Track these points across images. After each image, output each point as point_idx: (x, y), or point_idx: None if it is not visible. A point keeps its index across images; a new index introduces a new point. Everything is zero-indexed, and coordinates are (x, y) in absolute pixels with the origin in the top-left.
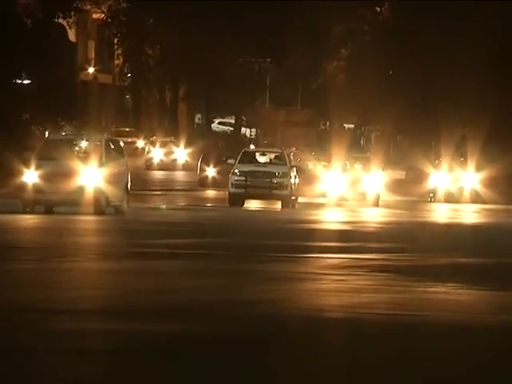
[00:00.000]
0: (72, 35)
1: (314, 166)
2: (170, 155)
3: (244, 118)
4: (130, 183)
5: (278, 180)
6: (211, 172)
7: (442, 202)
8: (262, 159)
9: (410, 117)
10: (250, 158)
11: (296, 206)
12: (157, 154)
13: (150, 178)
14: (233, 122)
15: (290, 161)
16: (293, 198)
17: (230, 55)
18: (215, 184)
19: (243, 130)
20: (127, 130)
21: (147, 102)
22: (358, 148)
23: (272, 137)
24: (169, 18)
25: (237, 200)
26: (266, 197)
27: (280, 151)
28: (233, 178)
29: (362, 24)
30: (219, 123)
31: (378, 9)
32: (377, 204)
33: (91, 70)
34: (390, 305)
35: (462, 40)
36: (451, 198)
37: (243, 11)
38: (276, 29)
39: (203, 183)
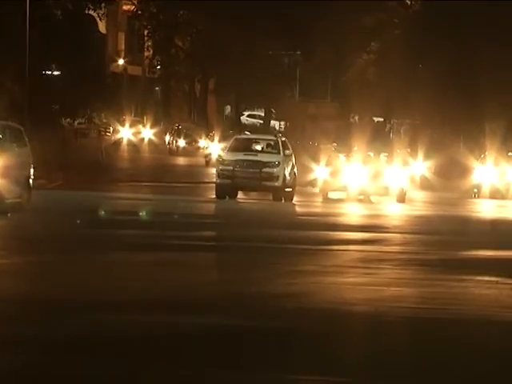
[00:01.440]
0: (102, 27)
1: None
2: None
3: (273, 111)
4: (32, 176)
5: (269, 170)
6: None
7: (488, 197)
8: (254, 147)
9: (449, 110)
10: (240, 146)
11: (293, 198)
12: (215, 149)
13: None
14: (262, 114)
15: (288, 149)
16: (288, 189)
17: (259, 48)
18: None
19: (272, 122)
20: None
21: (176, 94)
22: (384, 141)
23: (301, 130)
24: (199, 10)
25: (223, 191)
26: (255, 188)
27: (274, 138)
28: (219, 168)
29: (391, 17)
30: (249, 116)
31: (409, 1)
32: (403, 200)
33: (121, 61)
34: (418, 299)
35: (500, 27)
36: (497, 194)
37: (273, 4)
38: (306, 21)
39: None
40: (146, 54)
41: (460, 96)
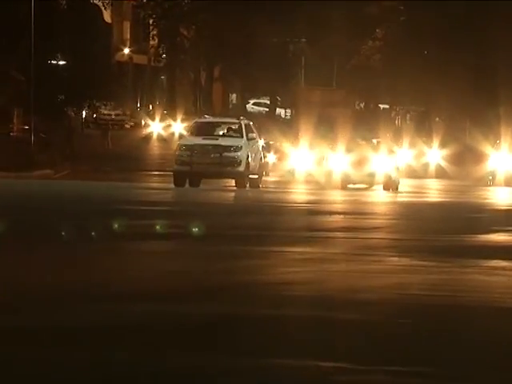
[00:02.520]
0: (107, 16)
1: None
2: None
3: (279, 99)
4: None
5: (230, 155)
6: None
7: (503, 185)
8: (215, 131)
9: (460, 94)
10: (200, 130)
11: (260, 185)
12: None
13: None
14: (268, 102)
15: (252, 133)
16: (253, 176)
17: (264, 35)
18: None
19: (278, 110)
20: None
21: (182, 82)
22: (388, 128)
23: (307, 116)
24: None
25: (182, 179)
26: (215, 175)
27: (236, 121)
28: (177, 154)
29: (397, 3)
30: (254, 104)
31: None
32: (389, 187)
33: (126, 50)
34: (425, 285)
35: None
36: None
37: None
38: (311, 8)
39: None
40: (152, 42)
41: (472, 80)
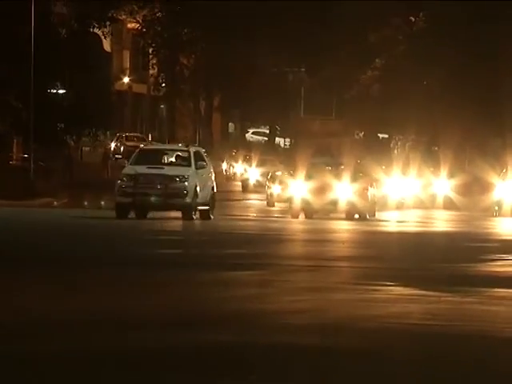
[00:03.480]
0: (107, 45)
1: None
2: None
3: (278, 128)
4: None
5: (176, 185)
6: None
7: (510, 215)
8: (161, 160)
9: (461, 124)
10: (145, 158)
11: (212, 216)
12: (253, 174)
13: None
14: (267, 131)
15: (202, 161)
16: (203, 207)
17: (264, 65)
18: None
19: (277, 139)
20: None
21: (181, 111)
22: (384, 156)
23: (306, 146)
24: (203, 28)
25: (124, 211)
26: (160, 207)
27: (185, 149)
28: (119, 184)
29: (396, 34)
30: (253, 133)
31: (413, 18)
32: (352, 216)
33: (126, 79)
34: (424, 315)
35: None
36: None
37: (277, 21)
38: (310, 38)
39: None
40: (151, 71)
41: (474, 108)
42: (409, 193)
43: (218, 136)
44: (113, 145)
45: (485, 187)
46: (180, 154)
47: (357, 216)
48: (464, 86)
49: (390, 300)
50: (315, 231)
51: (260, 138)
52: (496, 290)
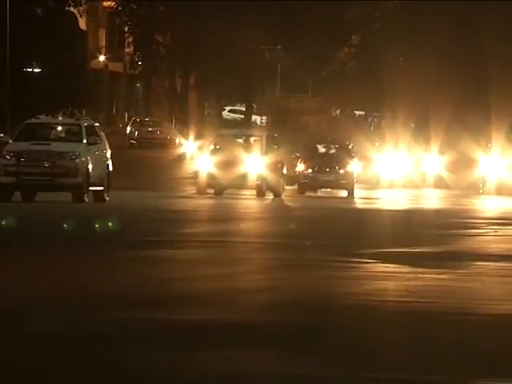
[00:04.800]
0: (82, 23)
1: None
2: None
3: (255, 106)
4: None
5: (65, 163)
6: None
7: (494, 193)
8: (48, 135)
9: (443, 99)
10: (30, 134)
11: (107, 198)
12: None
13: None
14: (244, 109)
15: (96, 136)
16: (97, 188)
17: (240, 42)
18: None
19: (254, 117)
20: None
21: (158, 90)
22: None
23: (283, 124)
24: (179, 5)
25: (7, 193)
26: (47, 187)
27: (76, 122)
28: (1, 163)
29: (372, 11)
30: (230, 111)
31: None
32: (263, 194)
33: (102, 58)
34: (400, 292)
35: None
36: (504, 190)
37: (257, 2)
38: (287, 16)
39: None
40: (127, 50)
41: (456, 84)
42: (399, 171)
43: (194, 114)
44: (128, 129)
45: (470, 164)
46: (70, 128)
47: (269, 193)
48: (445, 61)
49: (366, 277)
50: (223, 208)
51: (236, 115)
52: (472, 266)
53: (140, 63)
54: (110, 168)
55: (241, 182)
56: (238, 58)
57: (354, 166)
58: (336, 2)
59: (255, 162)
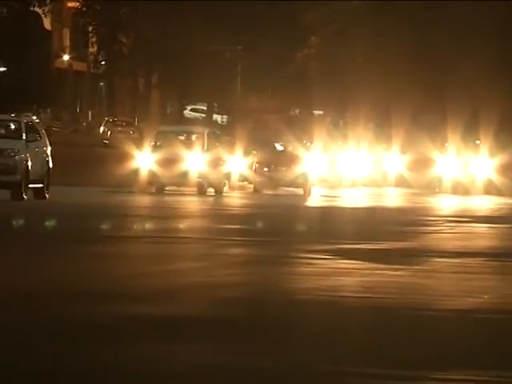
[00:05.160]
0: (47, 23)
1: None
2: None
3: (216, 105)
4: None
5: (3, 161)
6: None
7: (450, 191)
8: None
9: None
10: None
11: (47, 195)
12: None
13: None
14: (205, 108)
15: (36, 133)
16: (37, 185)
17: (202, 43)
18: None
19: (215, 116)
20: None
21: (120, 89)
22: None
23: (243, 123)
24: (142, 7)
25: None
26: None
27: (15, 119)
28: None
29: (331, 12)
30: (191, 110)
31: None
32: (203, 192)
33: (66, 57)
34: (357, 288)
35: (456, 16)
36: (460, 189)
37: (216, 1)
38: (248, 17)
39: None
40: (91, 50)
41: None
42: (360, 170)
43: (156, 113)
44: (101, 129)
45: (429, 163)
46: (9, 125)
47: (211, 190)
48: (405, 62)
49: (325, 273)
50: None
51: (198, 114)
52: (427, 262)
53: (103, 63)
54: (51, 165)
55: (181, 180)
56: (199, 58)
57: (311, 165)
58: (295, 3)
59: (196, 159)
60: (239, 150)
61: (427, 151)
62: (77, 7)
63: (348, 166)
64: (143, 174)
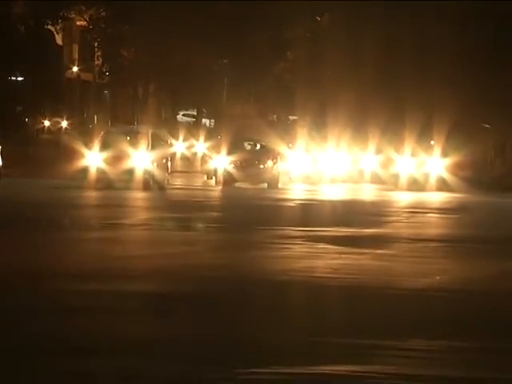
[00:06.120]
0: (59, 39)
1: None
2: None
3: (205, 111)
4: None
5: None
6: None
7: (405, 189)
8: None
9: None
10: None
11: None
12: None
13: None
14: (195, 113)
15: None
16: None
17: (193, 57)
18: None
19: (204, 120)
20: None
21: (122, 96)
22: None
23: (229, 127)
24: (141, 25)
25: None
26: None
27: None
28: None
29: (305, 31)
30: (183, 115)
31: (319, 18)
32: (148, 187)
33: (75, 69)
34: (326, 269)
35: (420, 24)
36: (414, 185)
37: (206, 21)
38: (233, 36)
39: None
40: (96, 62)
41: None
42: (339, 168)
43: (153, 117)
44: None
45: (391, 162)
46: None
47: (155, 187)
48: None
49: (299, 256)
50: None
51: (189, 119)
52: (388, 247)
53: (107, 74)
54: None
55: (128, 177)
56: (190, 70)
57: (292, 163)
58: (273, 23)
59: (141, 158)
60: (220, 148)
61: (391, 152)
62: (84, 25)
63: (328, 165)
64: (92, 171)
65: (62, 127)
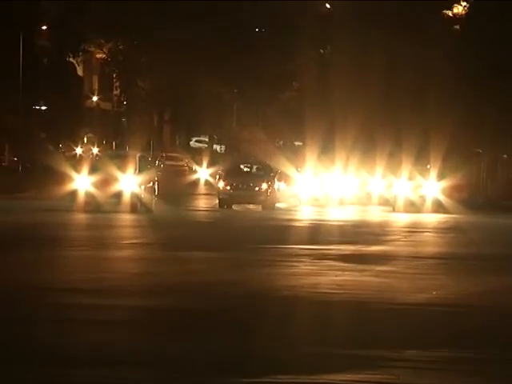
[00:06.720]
0: (80, 71)
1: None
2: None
3: (216, 137)
4: None
5: None
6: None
7: (402, 211)
8: None
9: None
10: None
11: None
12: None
13: None
14: (207, 139)
15: None
16: None
17: (204, 87)
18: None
19: (215, 146)
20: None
21: (139, 124)
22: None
23: (238, 151)
24: (157, 58)
25: None
26: None
27: None
28: None
29: (309, 62)
30: (196, 141)
31: (322, 51)
32: (135, 209)
33: (95, 98)
34: (331, 285)
35: (416, 50)
36: (411, 207)
37: (217, 53)
38: (241, 66)
39: None
40: (115, 92)
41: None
42: (347, 191)
43: (167, 144)
44: (156, 162)
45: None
46: None
47: (142, 209)
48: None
49: (305, 273)
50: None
51: (201, 144)
52: (387, 264)
53: (125, 103)
54: None
55: (116, 200)
56: (202, 99)
57: (275, 185)
58: (280, 55)
59: (129, 181)
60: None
61: (393, 176)
62: (103, 58)
63: (336, 187)
64: (81, 194)
65: (84, 154)
